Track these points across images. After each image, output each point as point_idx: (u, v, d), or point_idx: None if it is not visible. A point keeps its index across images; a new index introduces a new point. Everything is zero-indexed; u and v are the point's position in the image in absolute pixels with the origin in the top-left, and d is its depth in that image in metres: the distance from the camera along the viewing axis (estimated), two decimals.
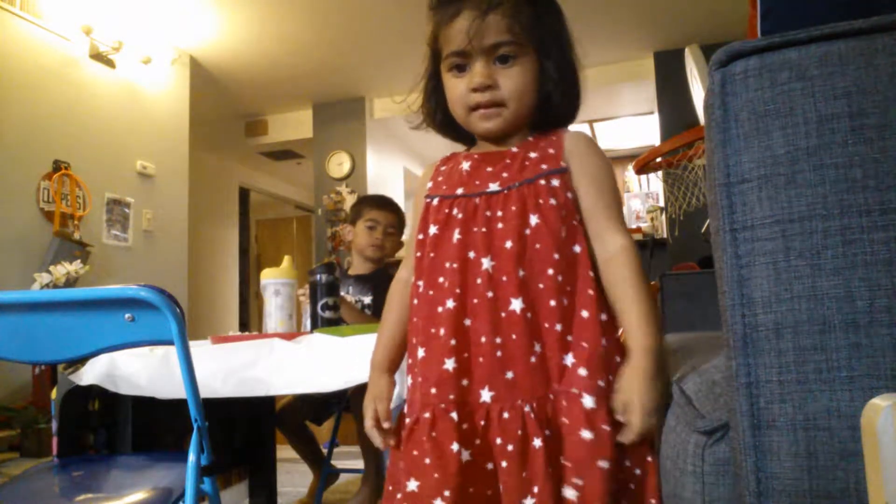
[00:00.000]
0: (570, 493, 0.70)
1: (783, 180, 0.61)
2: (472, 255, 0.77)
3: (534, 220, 0.76)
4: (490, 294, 0.75)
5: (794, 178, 0.61)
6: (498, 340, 0.74)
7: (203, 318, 5.53)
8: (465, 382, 0.74)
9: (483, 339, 0.74)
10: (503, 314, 0.74)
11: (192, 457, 0.98)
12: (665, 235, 4.32)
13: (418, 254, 0.83)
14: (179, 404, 1.03)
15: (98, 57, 3.50)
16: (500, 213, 0.78)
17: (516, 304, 0.74)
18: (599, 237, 0.78)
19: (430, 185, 0.87)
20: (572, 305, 0.75)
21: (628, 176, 5.66)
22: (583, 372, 0.73)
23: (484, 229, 0.77)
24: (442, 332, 0.76)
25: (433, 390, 0.74)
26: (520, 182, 0.79)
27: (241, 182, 6.58)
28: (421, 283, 0.81)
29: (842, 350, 0.59)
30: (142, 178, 3.79)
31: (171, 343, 0.95)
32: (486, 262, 0.76)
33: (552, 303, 0.74)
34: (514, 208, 0.77)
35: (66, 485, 1.18)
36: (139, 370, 1.26)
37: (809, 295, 0.60)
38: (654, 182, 5.15)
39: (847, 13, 0.63)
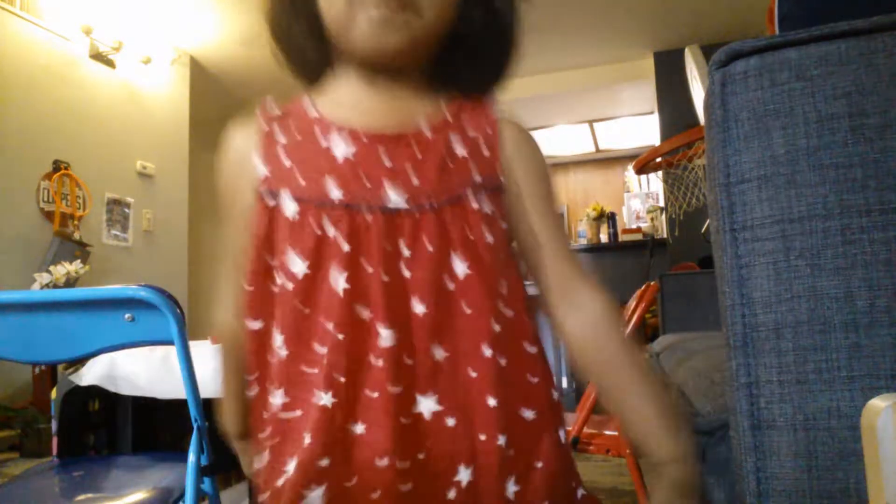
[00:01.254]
0: None
1: (783, 180, 0.61)
2: (365, 315, 0.49)
3: (461, 268, 0.51)
4: (397, 390, 0.48)
5: (794, 178, 0.61)
6: (406, 464, 0.48)
7: (203, 318, 5.52)
8: None
9: (385, 462, 0.47)
10: (403, 420, 0.48)
11: (192, 457, 0.98)
12: (665, 235, 4.32)
13: (274, 289, 0.52)
14: (179, 404, 1.03)
15: (98, 57, 3.50)
16: (406, 252, 0.50)
17: (428, 405, 0.49)
18: (565, 294, 0.55)
19: (262, 166, 0.54)
20: (514, 402, 0.51)
21: (628, 176, 5.66)
22: None
23: (385, 276, 0.49)
24: (307, 441, 0.48)
25: None
26: (439, 202, 0.52)
27: None
28: (279, 339, 0.51)
29: (842, 350, 0.59)
30: (142, 178, 3.79)
31: (171, 343, 0.95)
32: (385, 335, 0.48)
33: (490, 401, 0.50)
34: (429, 247, 0.50)
35: (66, 485, 1.18)
36: (139, 370, 1.26)
37: (809, 295, 0.60)
38: (654, 182, 5.15)
39: (865, 1, 0.63)
